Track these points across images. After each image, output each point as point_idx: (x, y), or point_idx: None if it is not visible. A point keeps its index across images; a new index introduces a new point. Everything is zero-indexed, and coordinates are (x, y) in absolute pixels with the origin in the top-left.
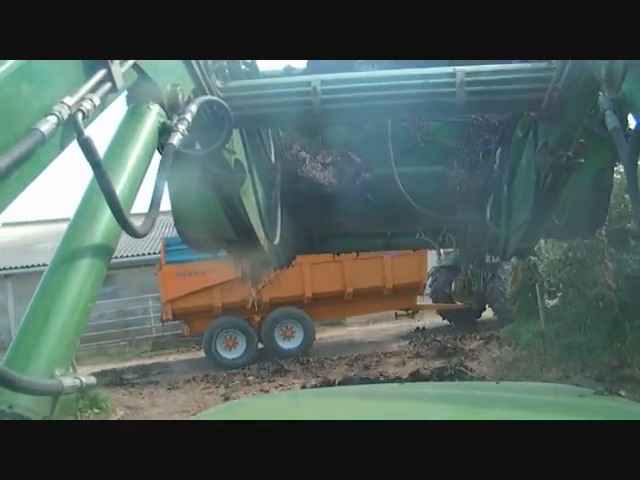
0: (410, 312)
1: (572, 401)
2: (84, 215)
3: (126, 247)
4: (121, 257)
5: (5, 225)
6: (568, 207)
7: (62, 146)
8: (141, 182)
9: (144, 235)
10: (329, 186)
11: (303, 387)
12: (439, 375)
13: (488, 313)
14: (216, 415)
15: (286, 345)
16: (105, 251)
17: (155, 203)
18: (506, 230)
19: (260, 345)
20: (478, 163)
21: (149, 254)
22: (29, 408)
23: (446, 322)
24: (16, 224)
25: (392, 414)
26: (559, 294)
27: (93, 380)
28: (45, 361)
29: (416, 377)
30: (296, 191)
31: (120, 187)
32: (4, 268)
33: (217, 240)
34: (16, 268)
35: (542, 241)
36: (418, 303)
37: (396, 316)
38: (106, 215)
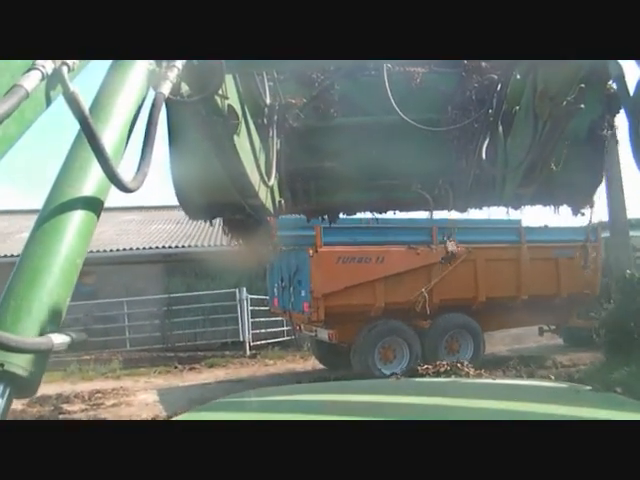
0: (555, 329)
1: (569, 399)
2: (72, 169)
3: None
4: (103, 252)
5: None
6: (564, 155)
7: (48, 102)
8: (131, 134)
9: (135, 190)
10: (324, 130)
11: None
12: (435, 372)
13: None
14: (214, 408)
15: (452, 360)
16: (95, 205)
17: (146, 156)
18: (503, 171)
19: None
20: (473, 107)
21: (138, 249)
22: (20, 366)
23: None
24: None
25: (388, 409)
26: None
27: (84, 336)
28: (35, 319)
29: (412, 374)
30: (291, 135)
31: (109, 141)
32: None
33: (215, 205)
34: None
35: None
36: (577, 319)
37: (541, 332)
38: (95, 168)
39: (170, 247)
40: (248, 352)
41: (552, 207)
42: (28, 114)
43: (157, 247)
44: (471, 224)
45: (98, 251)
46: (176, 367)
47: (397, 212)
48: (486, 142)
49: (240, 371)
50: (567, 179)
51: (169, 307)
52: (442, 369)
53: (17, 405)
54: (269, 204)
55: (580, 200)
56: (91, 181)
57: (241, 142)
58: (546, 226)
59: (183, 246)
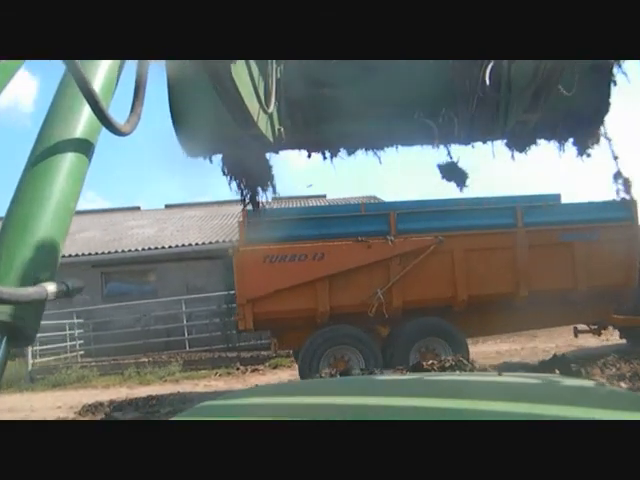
0: (595, 328)
1: (573, 393)
2: (60, 109)
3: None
4: (162, 248)
5: None
6: (571, 83)
7: None
8: (120, 73)
9: (129, 134)
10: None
11: None
12: (440, 367)
13: None
14: (217, 403)
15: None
16: (86, 147)
17: (139, 96)
18: (507, 96)
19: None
20: None
21: (197, 245)
22: (16, 315)
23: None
24: None
25: (392, 405)
26: None
27: (80, 284)
28: (28, 267)
29: (417, 369)
30: (290, 63)
31: (98, 81)
32: None
33: (214, 141)
34: None
35: None
36: (615, 316)
37: (576, 334)
38: (84, 109)
39: (231, 241)
40: None
41: (557, 144)
42: (9, 66)
43: (217, 242)
44: (450, 205)
45: (157, 248)
46: (238, 369)
47: (399, 146)
48: (490, 65)
49: None
50: (572, 108)
51: (230, 305)
52: (447, 364)
53: (68, 414)
54: (269, 133)
55: (586, 132)
56: (81, 122)
57: (238, 70)
58: (557, 202)
59: None
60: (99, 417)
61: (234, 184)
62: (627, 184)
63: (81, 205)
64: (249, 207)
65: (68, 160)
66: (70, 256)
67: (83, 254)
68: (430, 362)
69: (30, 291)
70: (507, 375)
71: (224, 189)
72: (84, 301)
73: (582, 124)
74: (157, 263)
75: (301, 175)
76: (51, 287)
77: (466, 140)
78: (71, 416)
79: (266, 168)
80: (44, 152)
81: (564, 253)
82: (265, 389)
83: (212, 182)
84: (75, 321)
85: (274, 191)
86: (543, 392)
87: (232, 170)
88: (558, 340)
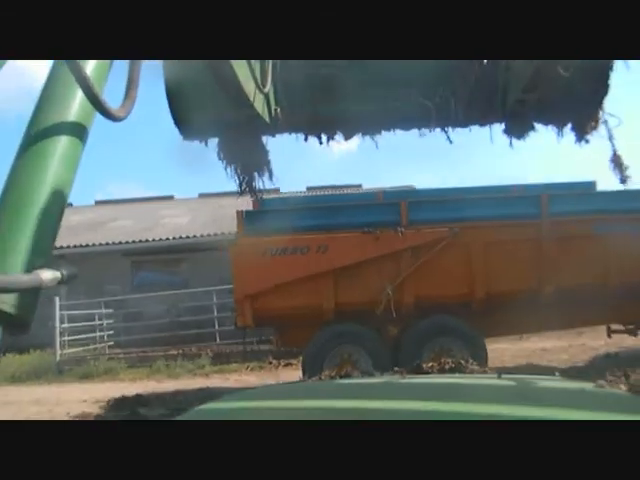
0: (631, 328)
1: (571, 396)
2: (52, 93)
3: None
4: (193, 237)
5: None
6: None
7: None
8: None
9: (123, 119)
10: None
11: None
12: (440, 369)
13: None
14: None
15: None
16: (79, 132)
17: (133, 80)
18: (505, 75)
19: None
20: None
21: (230, 233)
22: (10, 303)
23: None
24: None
25: (391, 407)
26: None
27: (74, 271)
28: (21, 255)
29: (417, 371)
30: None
31: (91, 67)
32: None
33: (211, 123)
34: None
35: None
36: None
37: (609, 334)
38: (77, 93)
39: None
40: None
41: (555, 129)
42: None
43: None
44: (467, 194)
45: (188, 237)
46: (270, 362)
47: (396, 130)
48: None
49: None
50: (570, 89)
51: None
52: (447, 366)
53: (93, 409)
54: (265, 114)
55: (584, 115)
56: (74, 107)
57: None
58: (590, 189)
59: None
60: (124, 413)
61: (230, 169)
62: (620, 166)
63: (115, 194)
64: (246, 194)
65: (61, 145)
66: (100, 245)
67: (113, 242)
68: (430, 364)
69: (24, 279)
70: (506, 377)
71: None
72: (114, 291)
73: (580, 106)
74: (189, 252)
75: (336, 165)
76: (46, 274)
77: (464, 122)
78: (95, 411)
79: (262, 152)
80: (37, 137)
81: (596, 246)
82: (264, 391)
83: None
84: (103, 311)
85: (270, 177)
86: (541, 394)
87: (227, 154)
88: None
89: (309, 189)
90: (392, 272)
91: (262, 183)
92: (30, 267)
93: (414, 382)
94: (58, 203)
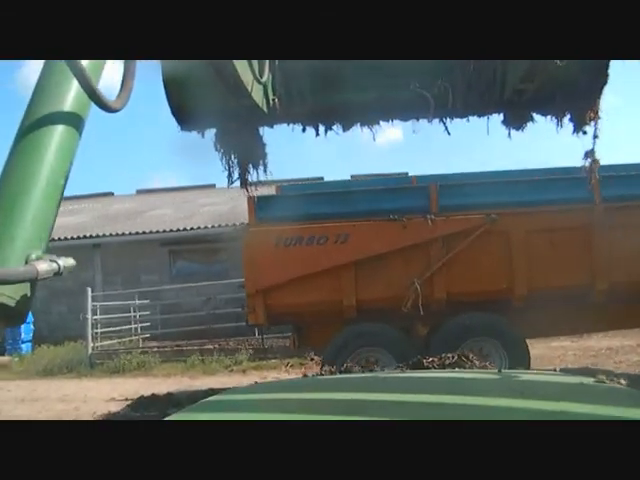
0: None
1: (572, 390)
2: (48, 83)
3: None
4: (233, 225)
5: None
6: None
7: None
8: None
9: (119, 110)
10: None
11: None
12: (440, 364)
13: None
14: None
15: None
16: (75, 122)
17: (129, 71)
18: (503, 63)
19: None
20: None
21: None
22: (6, 295)
23: None
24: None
25: (390, 401)
26: None
27: (72, 262)
28: (17, 247)
29: (417, 366)
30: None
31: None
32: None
33: (208, 113)
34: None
35: None
36: None
37: None
38: (73, 84)
39: None
40: None
41: (554, 119)
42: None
43: None
44: (505, 177)
45: (227, 225)
46: (312, 359)
47: (394, 120)
48: None
49: None
50: (568, 78)
51: None
52: (447, 361)
53: (120, 407)
54: (263, 104)
55: (583, 104)
56: (69, 97)
57: None
58: None
59: None
60: (152, 413)
61: (224, 160)
62: (593, 164)
63: (155, 184)
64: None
65: (57, 135)
66: (137, 234)
67: (151, 231)
68: (430, 359)
69: (20, 270)
70: (507, 372)
71: (298, 166)
72: (151, 281)
73: (580, 95)
74: (228, 242)
75: (382, 154)
76: (42, 266)
77: (462, 113)
78: (123, 411)
79: (259, 144)
80: (32, 128)
81: None
82: (266, 386)
83: (286, 160)
84: (137, 302)
85: (265, 170)
86: (541, 389)
87: (223, 145)
88: None
89: (353, 177)
90: (421, 265)
91: (257, 176)
92: (26, 260)
93: (414, 376)
94: (53, 195)
